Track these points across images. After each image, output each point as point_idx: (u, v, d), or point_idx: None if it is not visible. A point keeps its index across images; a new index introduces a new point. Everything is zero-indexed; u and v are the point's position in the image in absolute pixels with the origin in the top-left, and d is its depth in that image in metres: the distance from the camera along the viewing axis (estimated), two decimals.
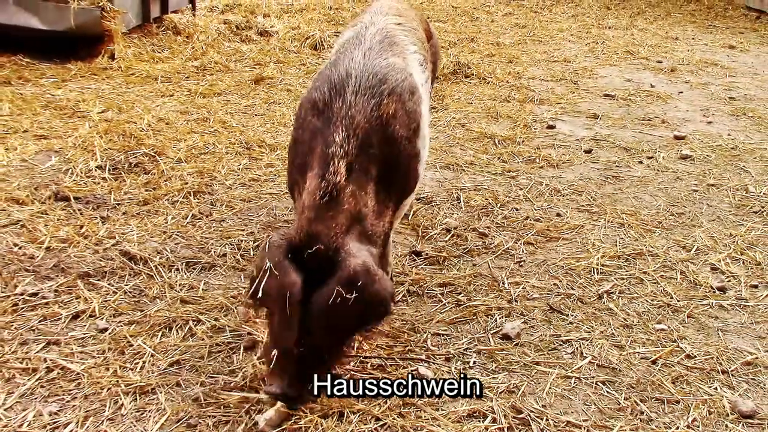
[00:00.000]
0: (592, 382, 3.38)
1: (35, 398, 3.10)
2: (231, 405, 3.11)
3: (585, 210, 5.24)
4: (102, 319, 3.67)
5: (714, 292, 4.20)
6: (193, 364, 3.38)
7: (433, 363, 3.48)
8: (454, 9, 14.51)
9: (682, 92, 8.87)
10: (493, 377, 3.39)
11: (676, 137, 7.01)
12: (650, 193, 5.60)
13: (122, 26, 8.38)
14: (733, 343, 3.70)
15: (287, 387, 2.86)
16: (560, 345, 3.67)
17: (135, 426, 2.99)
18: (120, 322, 3.67)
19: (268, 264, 2.88)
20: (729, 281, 4.32)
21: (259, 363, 3.33)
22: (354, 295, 2.83)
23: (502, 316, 3.90)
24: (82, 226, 4.50)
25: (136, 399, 3.14)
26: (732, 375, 3.45)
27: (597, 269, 4.40)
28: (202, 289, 4.00)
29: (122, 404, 3.10)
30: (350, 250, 2.96)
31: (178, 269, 4.17)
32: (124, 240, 4.39)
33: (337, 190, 3.05)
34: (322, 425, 3.02)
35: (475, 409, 3.15)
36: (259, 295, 2.89)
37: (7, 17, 7.74)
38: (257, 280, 2.90)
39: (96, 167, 5.28)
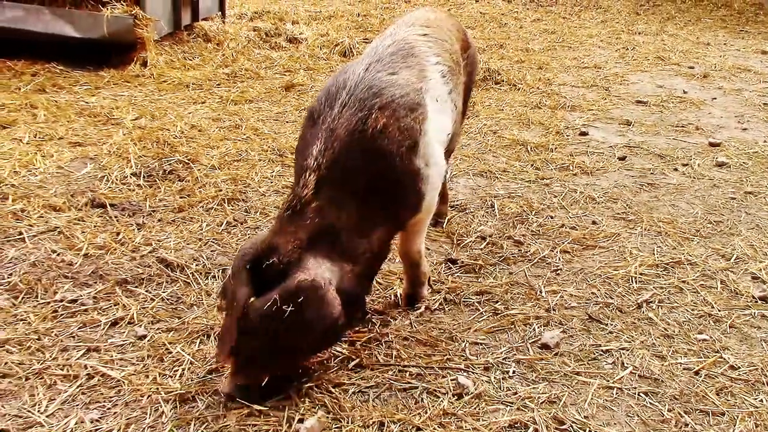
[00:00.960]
0: (635, 393, 3.34)
1: (77, 405, 3.11)
2: (270, 414, 3.10)
3: (621, 218, 5.20)
4: (140, 326, 3.68)
5: (756, 301, 4.15)
6: None
7: (472, 372, 3.45)
8: (482, 15, 14.48)
9: (715, 98, 8.79)
10: (534, 387, 3.36)
11: (711, 144, 6.94)
12: (687, 201, 5.55)
13: (154, 34, 8.42)
14: None
15: (225, 386, 3.11)
16: (600, 355, 3.63)
17: None
18: (158, 329, 3.67)
19: (230, 270, 3.04)
20: None
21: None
22: (290, 308, 2.87)
23: (541, 325, 3.86)
24: (118, 233, 4.51)
25: (176, 407, 3.14)
26: None
27: (635, 278, 4.35)
28: None
29: (163, 412, 3.10)
30: (305, 265, 2.98)
31: (214, 276, 4.18)
32: (161, 247, 4.40)
33: (302, 203, 3.07)
34: None
35: (517, 419, 3.13)
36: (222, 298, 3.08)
37: (42, 26, 7.81)
38: (223, 284, 3.10)
39: (131, 174, 5.30)
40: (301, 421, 3.05)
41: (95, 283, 4.00)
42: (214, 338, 3.60)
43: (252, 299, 2.94)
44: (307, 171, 3.11)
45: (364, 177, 3.17)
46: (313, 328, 2.99)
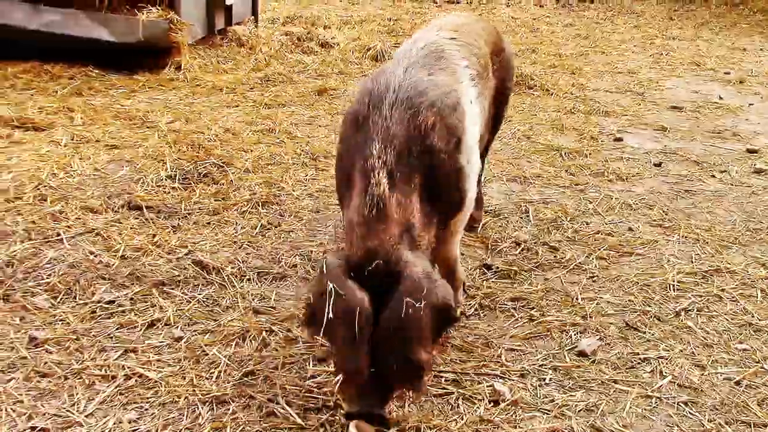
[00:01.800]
0: (674, 403, 3.30)
1: (115, 405, 3.13)
2: (307, 417, 3.10)
3: (657, 225, 5.15)
4: (177, 327, 3.69)
5: None
6: (267, 375, 3.37)
7: (508, 379, 3.43)
8: (513, 20, 14.45)
9: (752, 104, 8.70)
10: (571, 395, 3.33)
11: (749, 150, 6.87)
12: (725, 208, 5.49)
13: (188, 38, 8.48)
14: None
15: (368, 406, 2.83)
16: (638, 363, 3.59)
17: None
18: (195, 331, 3.69)
19: (330, 286, 2.83)
20: None
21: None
22: (422, 303, 2.80)
23: (577, 333, 3.83)
24: (154, 235, 4.53)
25: (213, 409, 3.14)
26: None
27: (673, 286, 4.31)
28: (274, 300, 4.00)
29: (199, 413, 3.11)
30: (409, 259, 2.94)
31: (249, 279, 4.19)
32: (196, 249, 4.42)
33: (383, 201, 3.02)
34: None
35: (554, 427, 3.10)
36: (325, 320, 2.81)
37: (79, 30, 7.88)
38: (323, 305, 2.82)
39: (166, 177, 5.33)
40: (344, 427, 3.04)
41: (132, 284, 4.03)
42: (250, 341, 3.61)
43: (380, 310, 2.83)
44: (375, 170, 3.05)
45: (420, 174, 3.17)
46: (443, 316, 2.94)
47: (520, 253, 4.67)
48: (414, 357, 2.83)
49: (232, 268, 4.26)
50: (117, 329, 3.64)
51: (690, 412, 3.24)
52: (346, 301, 2.80)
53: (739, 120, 8.00)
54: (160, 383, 3.27)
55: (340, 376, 2.84)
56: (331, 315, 2.80)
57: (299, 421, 3.08)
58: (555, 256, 4.62)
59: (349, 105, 3.47)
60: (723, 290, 4.28)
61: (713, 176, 6.17)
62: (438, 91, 3.35)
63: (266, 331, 3.71)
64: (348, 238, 3.05)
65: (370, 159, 3.09)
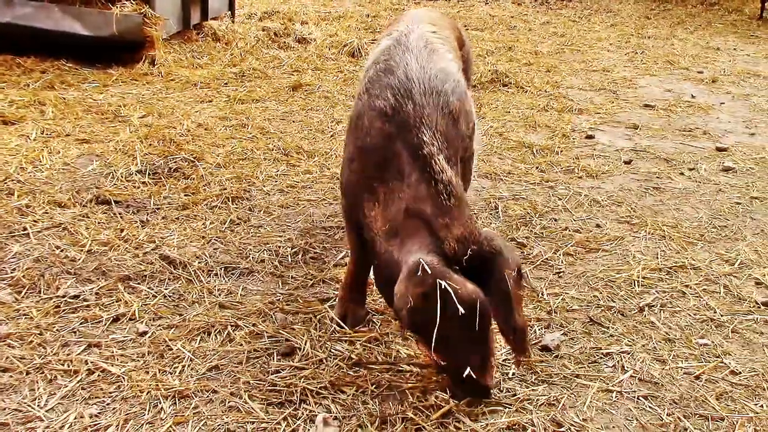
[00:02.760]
0: (634, 397, 3.33)
1: (76, 400, 3.12)
2: (269, 412, 3.11)
3: (625, 221, 5.19)
4: (142, 322, 3.69)
5: (759, 307, 4.13)
6: (231, 370, 3.38)
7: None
8: (491, 18, 14.48)
9: (723, 103, 8.77)
10: (533, 389, 3.35)
11: (718, 149, 6.92)
12: (692, 206, 5.53)
13: (163, 32, 8.44)
14: None
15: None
16: (601, 358, 3.63)
17: (174, 430, 3.00)
18: (159, 326, 3.68)
19: (443, 284, 2.79)
20: None
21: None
22: (518, 272, 2.96)
23: (542, 328, 3.86)
24: (122, 230, 4.53)
25: (175, 403, 3.15)
26: None
27: (638, 282, 4.34)
28: (241, 295, 4.01)
29: (161, 408, 3.11)
30: (486, 236, 2.99)
31: (216, 274, 4.19)
32: (164, 244, 4.41)
33: (453, 186, 3.04)
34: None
35: (515, 421, 3.12)
36: (439, 319, 2.79)
37: (52, 23, 7.84)
38: (433, 305, 2.80)
39: (136, 171, 5.32)
40: (311, 420, 3.06)
41: (98, 279, 4.02)
42: (215, 335, 3.61)
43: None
44: (434, 156, 3.07)
45: (457, 155, 3.22)
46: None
47: None
48: (522, 323, 2.96)
49: (199, 263, 4.26)
50: (81, 324, 3.63)
51: (650, 406, 3.27)
52: (462, 295, 2.79)
53: (710, 119, 8.06)
54: (123, 378, 3.27)
55: (467, 369, 2.93)
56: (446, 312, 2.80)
57: (262, 415, 3.09)
58: (523, 252, 4.65)
59: (360, 104, 3.45)
60: (687, 286, 4.32)
61: (682, 174, 6.22)
62: (454, 80, 3.40)
63: (231, 326, 3.71)
64: (421, 232, 3.01)
65: (425, 147, 3.10)
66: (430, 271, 2.83)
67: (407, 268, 2.90)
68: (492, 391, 3.18)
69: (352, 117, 3.49)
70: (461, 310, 2.76)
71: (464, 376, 2.94)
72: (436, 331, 2.80)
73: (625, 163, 6.40)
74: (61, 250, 4.23)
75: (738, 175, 6.25)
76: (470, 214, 3.08)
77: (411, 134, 3.14)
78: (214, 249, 4.44)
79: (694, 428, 3.13)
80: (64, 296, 3.83)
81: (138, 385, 3.22)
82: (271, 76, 8.58)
